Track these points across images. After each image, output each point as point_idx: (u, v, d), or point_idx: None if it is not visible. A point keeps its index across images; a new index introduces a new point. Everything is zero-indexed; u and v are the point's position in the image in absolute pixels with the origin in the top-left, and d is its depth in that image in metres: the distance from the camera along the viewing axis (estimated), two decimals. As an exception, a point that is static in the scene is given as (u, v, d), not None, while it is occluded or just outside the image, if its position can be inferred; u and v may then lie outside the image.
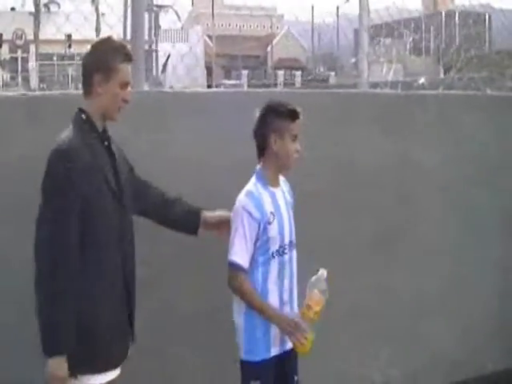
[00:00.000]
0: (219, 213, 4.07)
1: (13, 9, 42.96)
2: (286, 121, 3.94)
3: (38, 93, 5.92)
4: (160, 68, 29.01)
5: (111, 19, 6.29)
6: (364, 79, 6.03)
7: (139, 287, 3.58)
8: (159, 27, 32.73)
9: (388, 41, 17.62)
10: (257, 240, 3.84)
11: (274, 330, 3.88)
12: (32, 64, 31.01)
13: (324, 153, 5.13)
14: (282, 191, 4.07)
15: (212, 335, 4.51)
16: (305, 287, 3.81)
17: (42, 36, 34.82)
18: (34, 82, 27.50)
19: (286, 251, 3.96)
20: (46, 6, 43.50)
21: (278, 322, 3.83)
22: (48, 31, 32.06)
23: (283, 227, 3.96)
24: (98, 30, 16.55)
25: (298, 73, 35.55)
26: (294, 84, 28.22)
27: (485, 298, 5.86)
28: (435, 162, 5.28)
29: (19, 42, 36.28)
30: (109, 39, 3.60)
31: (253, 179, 3.98)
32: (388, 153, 5.36)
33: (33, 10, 40.09)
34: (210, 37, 40.81)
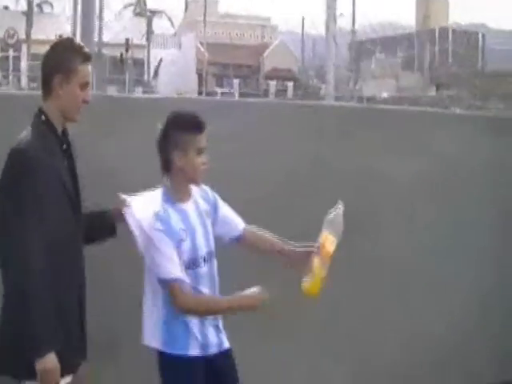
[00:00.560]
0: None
1: (6, 7, 42.90)
2: (189, 135, 3.73)
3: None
4: (152, 73, 28.98)
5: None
6: (330, 90, 6.00)
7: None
8: (152, 32, 32.74)
9: (381, 56, 17.62)
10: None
11: (197, 328, 3.89)
12: (24, 63, 30.95)
13: (279, 162, 5.14)
14: (195, 202, 3.94)
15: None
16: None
17: (34, 36, 34.74)
18: (24, 81, 27.42)
19: (201, 264, 3.89)
20: (39, 6, 43.43)
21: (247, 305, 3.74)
22: (40, 31, 32.00)
23: (196, 241, 3.83)
24: (100, 33, 16.45)
25: (290, 83, 35.54)
26: (285, 95, 28.19)
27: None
28: (396, 175, 5.20)
29: (11, 41, 36.18)
30: (68, 40, 3.56)
31: (158, 199, 3.86)
32: (347, 163, 5.36)
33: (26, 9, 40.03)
34: (203, 44, 40.84)
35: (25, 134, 3.26)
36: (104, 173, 4.29)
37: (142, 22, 33.20)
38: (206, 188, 3.98)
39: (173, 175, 3.71)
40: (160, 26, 35.42)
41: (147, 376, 3.93)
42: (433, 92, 16.26)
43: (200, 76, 28.49)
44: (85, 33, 4.89)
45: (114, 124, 4.72)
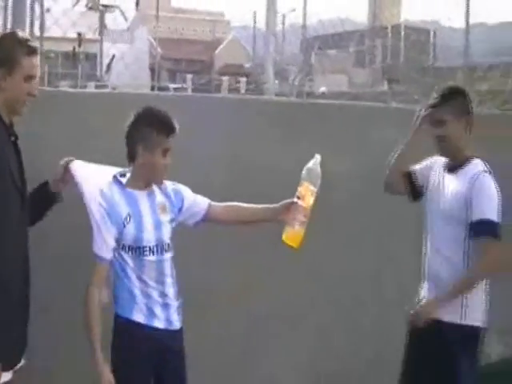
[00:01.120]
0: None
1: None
2: (159, 135, 3.83)
3: None
4: (104, 68, 28.73)
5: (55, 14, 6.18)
6: (271, 85, 6.01)
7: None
8: (105, 27, 32.45)
9: (333, 52, 17.68)
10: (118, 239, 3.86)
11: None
12: None
13: (219, 153, 5.29)
14: (151, 194, 3.98)
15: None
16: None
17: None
18: None
19: (146, 253, 3.91)
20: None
21: (98, 370, 3.84)
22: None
23: (141, 229, 3.90)
24: (42, 26, 16.20)
25: (243, 79, 35.46)
26: (238, 90, 28.13)
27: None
28: (334, 171, 5.22)
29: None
30: (12, 33, 3.61)
31: (110, 177, 3.93)
32: (283, 159, 5.40)
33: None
34: (155, 39, 40.58)
35: None
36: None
37: (95, 17, 32.88)
38: (171, 184, 4.03)
39: (135, 168, 3.83)
40: (113, 20, 35.10)
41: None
42: (384, 87, 16.36)
43: (153, 71, 28.30)
44: (16, 26, 4.82)
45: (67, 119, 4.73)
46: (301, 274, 5.60)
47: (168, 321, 4.05)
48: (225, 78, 39.19)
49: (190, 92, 26.30)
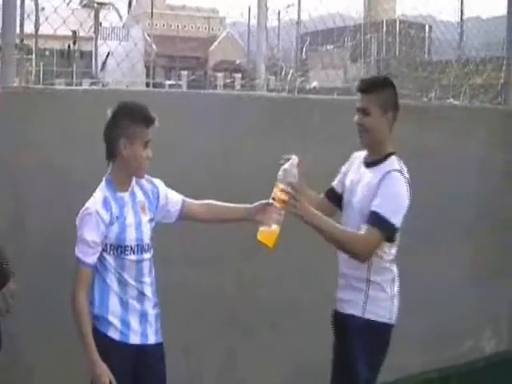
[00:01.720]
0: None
1: None
2: (139, 126, 3.83)
3: None
4: (99, 65, 28.69)
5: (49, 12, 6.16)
6: (262, 80, 6.02)
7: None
8: (100, 24, 32.40)
9: (329, 47, 17.64)
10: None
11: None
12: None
13: (212, 149, 5.34)
14: (132, 193, 4.00)
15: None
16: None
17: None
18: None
19: (126, 253, 3.93)
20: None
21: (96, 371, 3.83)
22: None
23: (125, 230, 3.92)
24: (36, 23, 16.19)
25: (238, 75, 35.43)
26: (234, 87, 28.10)
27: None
28: (325, 166, 5.19)
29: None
30: None
31: (102, 185, 3.92)
32: (270, 154, 5.42)
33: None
34: (150, 36, 40.57)
35: None
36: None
37: (90, 14, 32.84)
38: (150, 179, 4.04)
39: (116, 164, 3.82)
40: (108, 17, 35.06)
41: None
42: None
43: (148, 68, 28.33)
44: (6, 23, 4.80)
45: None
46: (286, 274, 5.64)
47: (144, 335, 4.05)
48: (219, 75, 39.22)
49: (184, 89, 26.27)
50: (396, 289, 4.57)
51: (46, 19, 5.71)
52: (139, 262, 4.01)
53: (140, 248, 4.00)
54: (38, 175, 4.68)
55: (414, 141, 6.31)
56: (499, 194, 7.24)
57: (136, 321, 4.02)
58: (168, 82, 30.85)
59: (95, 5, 33.85)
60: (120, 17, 43.50)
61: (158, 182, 4.20)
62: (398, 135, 5.82)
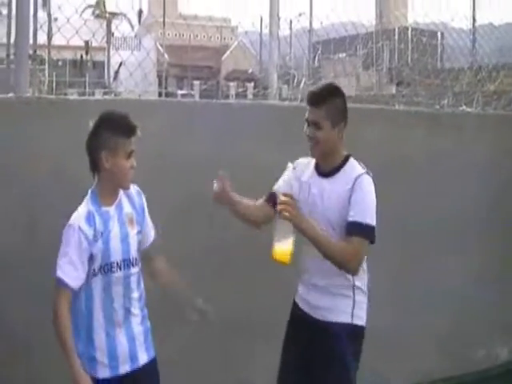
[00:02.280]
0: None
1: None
2: (120, 137, 3.76)
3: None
4: (112, 75, 28.72)
5: (62, 23, 6.18)
6: (274, 90, 6.01)
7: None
8: (112, 34, 32.50)
9: (341, 55, 17.61)
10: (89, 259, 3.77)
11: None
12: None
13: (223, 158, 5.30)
14: (119, 206, 3.94)
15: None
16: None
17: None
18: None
19: (113, 269, 3.83)
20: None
21: (73, 377, 3.76)
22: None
23: (109, 246, 3.82)
24: (49, 34, 16.25)
25: (251, 85, 35.48)
26: (246, 96, 28.09)
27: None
28: None
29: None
30: None
31: (87, 199, 3.84)
32: (284, 163, 5.41)
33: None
34: (162, 46, 40.61)
35: None
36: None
37: (102, 24, 32.93)
38: (137, 190, 3.96)
39: (100, 176, 3.71)
40: (120, 27, 35.13)
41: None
42: (392, 90, 16.30)
43: (160, 78, 28.31)
44: (19, 34, 4.82)
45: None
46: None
47: (134, 358, 4.00)
48: (232, 84, 39.24)
49: (197, 98, 26.28)
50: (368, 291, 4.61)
51: (59, 30, 5.72)
52: (126, 277, 3.95)
53: (126, 263, 3.92)
54: (50, 184, 4.70)
55: (427, 147, 6.30)
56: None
57: (124, 347, 3.95)
58: (180, 92, 30.84)
59: (107, 15, 33.94)
60: (132, 27, 43.63)
61: (143, 199, 4.16)
62: (411, 142, 5.83)
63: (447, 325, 6.68)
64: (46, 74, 19.51)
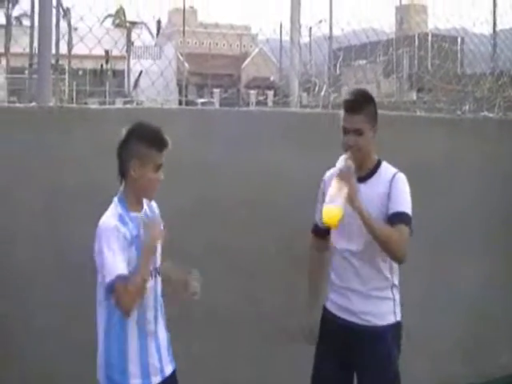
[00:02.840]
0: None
1: (-18, 21, 42.73)
2: (151, 150, 3.76)
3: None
4: (132, 84, 28.85)
5: (84, 32, 6.22)
6: (295, 98, 6.01)
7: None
8: (132, 43, 32.66)
9: (362, 62, 17.64)
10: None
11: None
12: (2, 77, 30.78)
13: (244, 166, 5.40)
14: (145, 215, 3.95)
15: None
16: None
17: (12, 49, 34.50)
18: (2, 94, 27.30)
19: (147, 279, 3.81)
20: (18, 19, 43.20)
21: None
22: (19, 44, 31.74)
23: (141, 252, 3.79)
24: (69, 44, 16.36)
25: (271, 92, 35.54)
26: (266, 103, 28.11)
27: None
28: None
29: (-12, 55, 36.02)
30: None
31: (115, 203, 3.83)
32: (302, 169, 5.42)
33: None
34: (182, 54, 40.75)
35: None
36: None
37: (122, 33, 33.12)
38: (154, 208, 3.97)
39: (127, 184, 3.72)
40: (140, 36, 35.30)
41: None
42: (413, 97, 16.28)
43: (180, 86, 28.42)
44: (42, 44, 4.87)
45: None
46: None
47: (162, 371, 4.01)
48: (252, 92, 39.31)
49: (217, 106, 26.34)
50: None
51: (82, 39, 5.75)
52: (155, 286, 3.97)
53: (155, 272, 3.95)
54: (72, 192, 4.72)
55: (449, 153, 6.28)
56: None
57: (154, 358, 3.96)
58: (200, 100, 30.91)
59: (127, 24, 34.10)
60: (152, 35, 43.82)
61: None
62: (433, 147, 5.80)
63: (470, 329, 6.65)
64: (66, 84, 19.63)
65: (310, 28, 10.69)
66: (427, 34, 19.74)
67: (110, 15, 45.31)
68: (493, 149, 6.85)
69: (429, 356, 6.25)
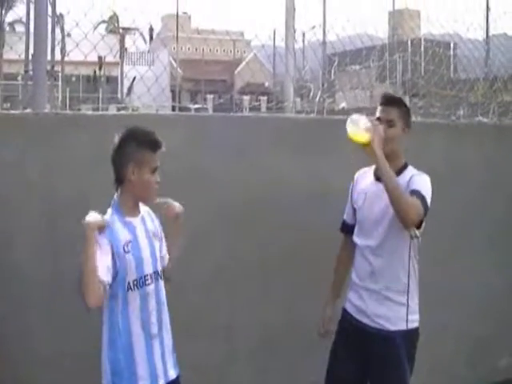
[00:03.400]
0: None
1: (-25, 27, 42.69)
2: (146, 152, 3.78)
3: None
4: (125, 90, 28.85)
5: (77, 38, 6.22)
6: (290, 103, 6.02)
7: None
8: (125, 50, 32.67)
9: (356, 67, 17.65)
10: (116, 272, 3.71)
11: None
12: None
13: (238, 171, 5.40)
14: (143, 220, 3.95)
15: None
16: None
17: (6, 55, 34.49)
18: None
19: (147, 282, 3.84)
20: (11, 25, 43.20)
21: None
22: (12, 50, 31.75)
23: (142, 258, 3.82)
24: (63, 50, 16.35)
25: (264, 98, 35.57)
26: (259, 109, 28.14)
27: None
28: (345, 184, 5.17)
29: (-20, 61, 35.97)
30: None
31: (110, 211, 3.84)
32: (297, 174, 5.41)
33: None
34: (176, 60, 40.77)
35: None
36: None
37: (115, 40, 33.13)
38: (151, 212, 3.98)
39: (124, 189, 3.73)
40: (133, 43, 35.32)
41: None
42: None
43: (174, 92, 28.43)
44: (37, 51, 4.87)
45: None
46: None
47: (166, 372, 4.02)
48: (245, 97, 39.34)
49: (210, 112, 26.36)
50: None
51: (77, 45, 5.75)
52: (157, 290, 3.97)
53: (156, 275, 3.95)
54: (68, 198, 4.71)
55: (444, 159, 6.28)
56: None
57: (159, 360, 3.97)
58: (194, 106, 30.93)
59: (121, 30, 34.12)
60: (145, 41, 43.85)
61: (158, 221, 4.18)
62: (428, 153, 5.80)
63: (473, 331, 6.65)
64: (60, 90, 19.62)
65: (304, 34, 10.70)
66: (420, 40, 19.78)
67: (103, 21, 45.31)
68: (488, 153, 6.85)
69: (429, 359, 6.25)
